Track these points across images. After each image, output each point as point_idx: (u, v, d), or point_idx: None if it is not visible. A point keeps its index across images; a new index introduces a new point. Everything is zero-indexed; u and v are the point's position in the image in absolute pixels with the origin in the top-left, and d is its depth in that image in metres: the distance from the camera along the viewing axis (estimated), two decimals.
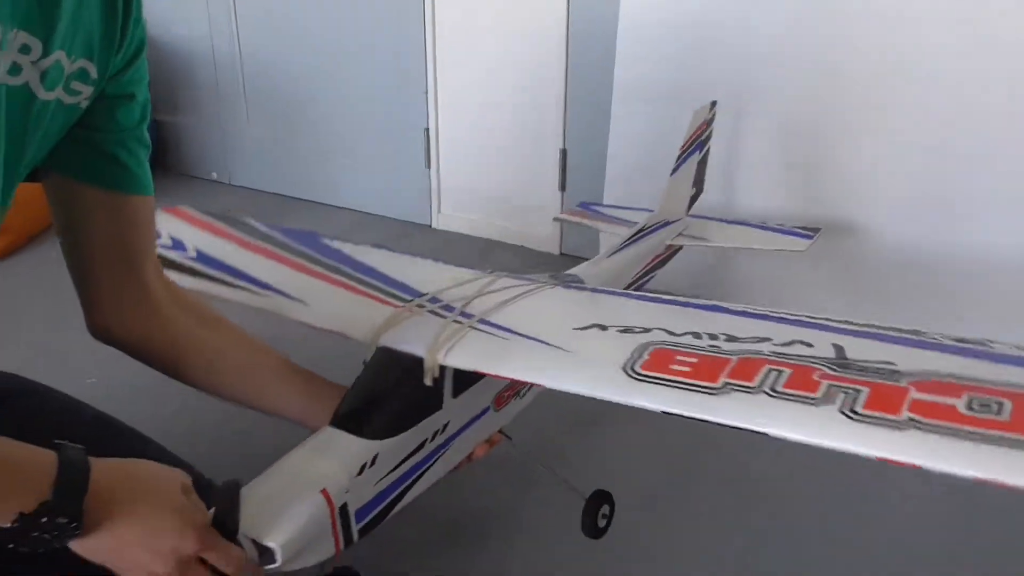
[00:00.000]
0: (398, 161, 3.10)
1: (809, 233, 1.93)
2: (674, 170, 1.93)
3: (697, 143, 2.01)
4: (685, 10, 2.23)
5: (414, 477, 1.13)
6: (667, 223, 1.90)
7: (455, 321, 1.16)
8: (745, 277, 2.36)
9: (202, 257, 1.44)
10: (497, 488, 1.41)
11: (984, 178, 1.96)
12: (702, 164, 2.07)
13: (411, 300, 1.25)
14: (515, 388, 1.31)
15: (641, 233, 1.81)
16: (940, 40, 1.92)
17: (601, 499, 1.30)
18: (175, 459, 1.14)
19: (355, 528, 1.05)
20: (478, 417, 1.24)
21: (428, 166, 3.01)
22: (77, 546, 0.80)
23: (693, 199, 2.06)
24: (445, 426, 1.17)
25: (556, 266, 2.66)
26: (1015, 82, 1.86)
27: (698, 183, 2.07)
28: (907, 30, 1.94)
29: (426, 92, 2.89)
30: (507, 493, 1.40)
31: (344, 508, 1.02)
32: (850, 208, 2.13)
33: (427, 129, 2.96)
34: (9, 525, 0.74)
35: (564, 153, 2.68)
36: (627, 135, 2.42)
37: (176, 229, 1.56)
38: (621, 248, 1.73)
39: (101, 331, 1.11)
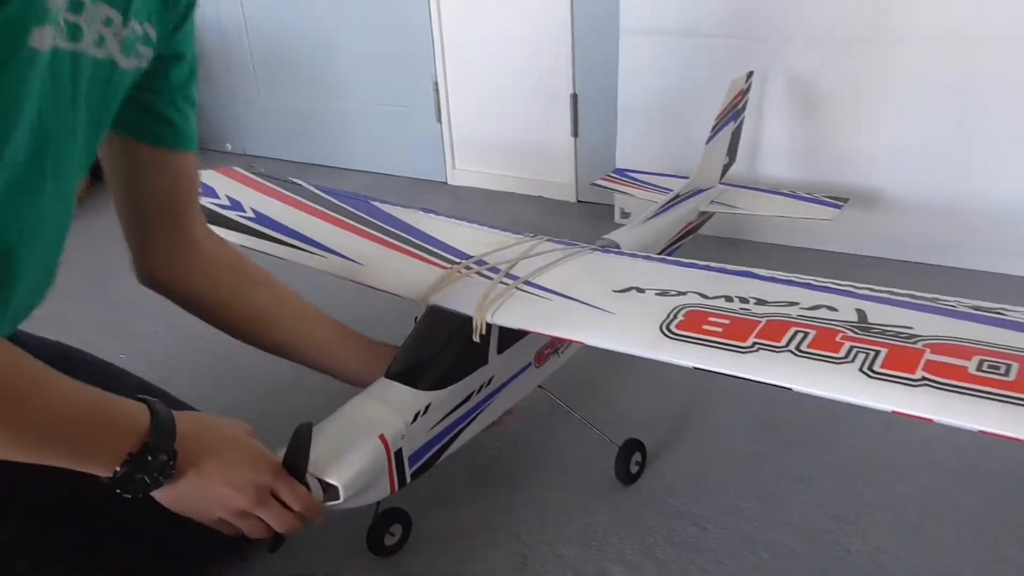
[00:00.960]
0: (409, 118, 3.10)
1: (838, 203, 1.98)
2: (709, 139, 1.98)
3: (733, 112, 2.05)
4: None
5: (462, 426, 1.22)
6: (701, 191, 1.96)
7: (501, 282, 1.25)
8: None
9: (260, 218, 1.53)
10: (533, 436, 1.50)
11: (1005, 129, 2.00)
12: (736, 133, 2.11)
13: (459, 262, 1.34)
14: (555, 346, 1.40)
15: (676, 200, 1.87)
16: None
17: (633, 447, 1.38)
18: None
19: (408, 471, 1.14)
20: (520, 372, 1.33)
21: (439, 121, 3.01)
22: (168, 493, 0.89)
23: (726, 168, 2.11)
24: (490, 380, 1.26)
25: (574, 214, 2.76)
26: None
27: (732, 152, 2.11)
28: None
29: (432, 45, 2.86)
30: (544, 441, 1.49)
31: (399, 452, 1.12)
32: (873, 175, 2.18)
33: (436, 83, 2.94)
34: (119, 469, 0.84)
35: (575, 98, 2.67)
36: (637, 73, 2.41)
37: (231, 189, 1.65)
38: (657, 214, 1.79)
39: (147, 276, 1.16)
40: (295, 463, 1.00)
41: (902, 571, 1.19)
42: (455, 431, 1.21)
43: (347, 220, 1.52)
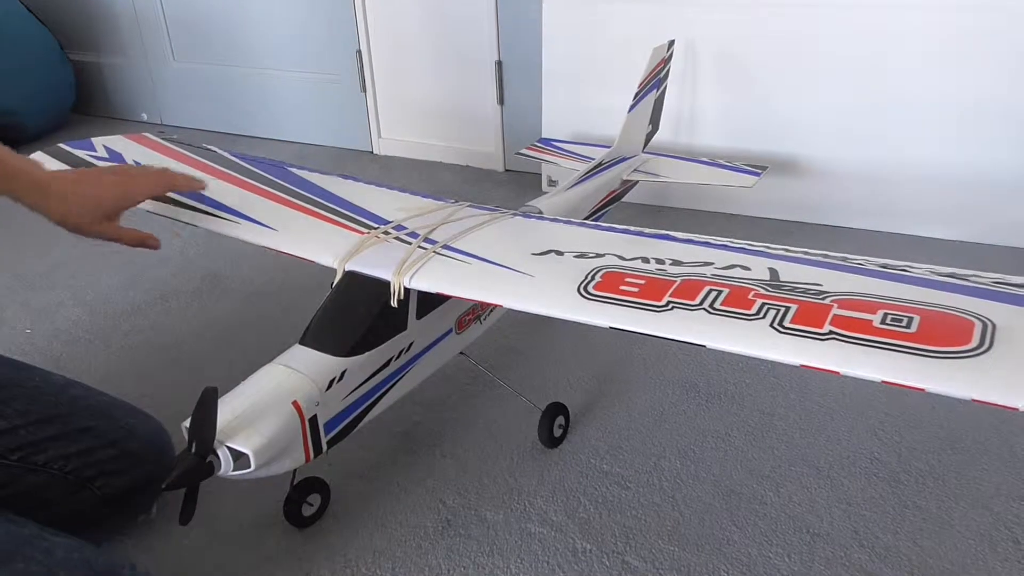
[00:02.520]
0: (333, 87, 3.04)
1: (757, 170, 2.01)
2: (631, 107, 1.98)
3: (655, 81, 2.06)
4: None
5: (380, 393, 1.21)
6: (623, 159, 1.97)
7: (419, 247, 1.22)
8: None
9: None
10: (456, 402, 1.49)
11: (918, 97, 2.07)
12: (659, 102, 2.12)
13: (377, 227, 1.31)
14: (475, 312, 1.39)
15: (599, 168, 1.87)
16: None
17: (556, 411, 1.39)
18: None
19: (324, 439, 1.12)
20: (441, 339, 1.31)
21: (364, 90, 2.96)
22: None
23: (649, 136, 2.12)
24: (410, 346, 1.24)
25: (500, 182, 2.74)
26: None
27: (654, 121, 2.13)
28: None
29: (354, 12, 2.80)
30: (467, 407, 1.48)
31: (314, 420, 1.09)
32: (790, 142, 2.23)
33: (359, 51, 2.89)
34: None
35: (500, 65, 2.65)
36: (560, 39, 2.40)
37: (140, 155, 1.58)
38: (579, 182, 1.79)
39: None
40: (201, 429, 0.97)
41: (813, 518, 1.22)
42: (373, 398, 1.19)
43: (261, 186, 1.47)
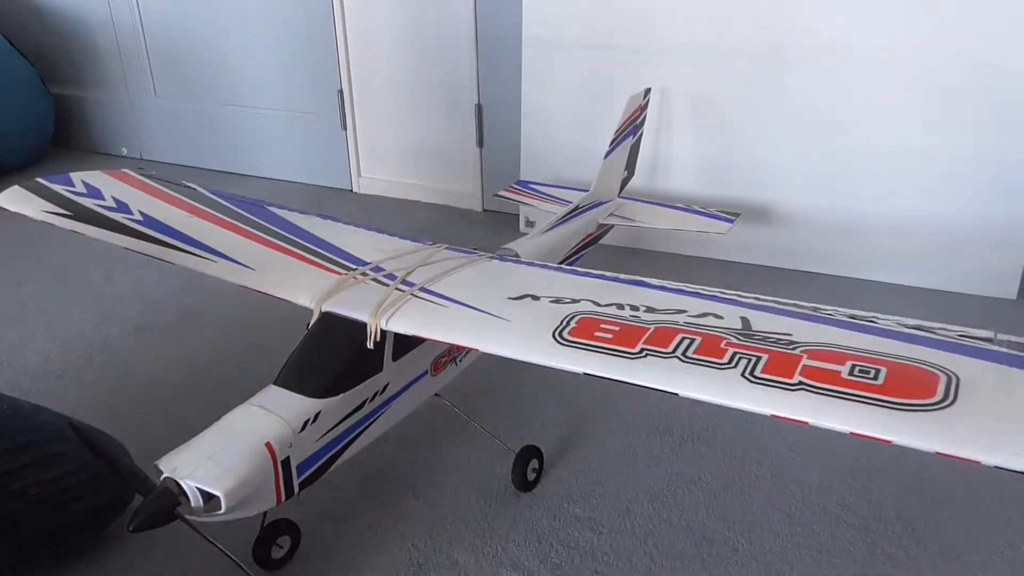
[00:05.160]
0: (314, 126, 3.06)
1: (731, 217, 2.05)
2: (608, 153, 2.02)
3: (631, 128, 2.10)
4: None
5: (354, 435, 1.20)
6: (600, 203, 1.99)
7: (397, 289, 1.23)
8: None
9: (148, 221, 1.46)
10: (430, 444, 1.49)
11: (877, 145, 2.13)
12: (635, 148, 2.16)
13: (355, 268, 1.32)
14: (451, 354, 1.39)
15: (575, 212, 1.90)
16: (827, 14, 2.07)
17: (530, 454, 1.39)
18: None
19: (296, 481, 1.11)
20: (416, 380, 1.31)
21: (344, 128, 2.99)
22: None
23: (625, 182, 2.15)
24: (385, 387, 1.24)
25: (479, 223, 2.76)
26: (899, 57, 2.03)
27: (630, 167, 2.16)
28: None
29: (337, 51, 2.83)
30: (441, 449, 1.48)
31: (286, 461, 1.09)
32: (763, 189, 2.28)
33: (340, 91, 2.92)
34: None
35: (479, 108, 2.69)
36: (540, 84, 2.44)
37: (119, 191, 1.58)
38: (556, 225, 1.82)
39: None
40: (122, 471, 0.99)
41: (785, 566, 1.23)
42: (347, 439, 1.19)
43: (239, 224, 1.48)
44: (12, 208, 1.48)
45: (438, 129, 2.82)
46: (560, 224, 1.82)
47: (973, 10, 1.94)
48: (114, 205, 1.53)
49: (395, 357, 1.24)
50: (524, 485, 1.38)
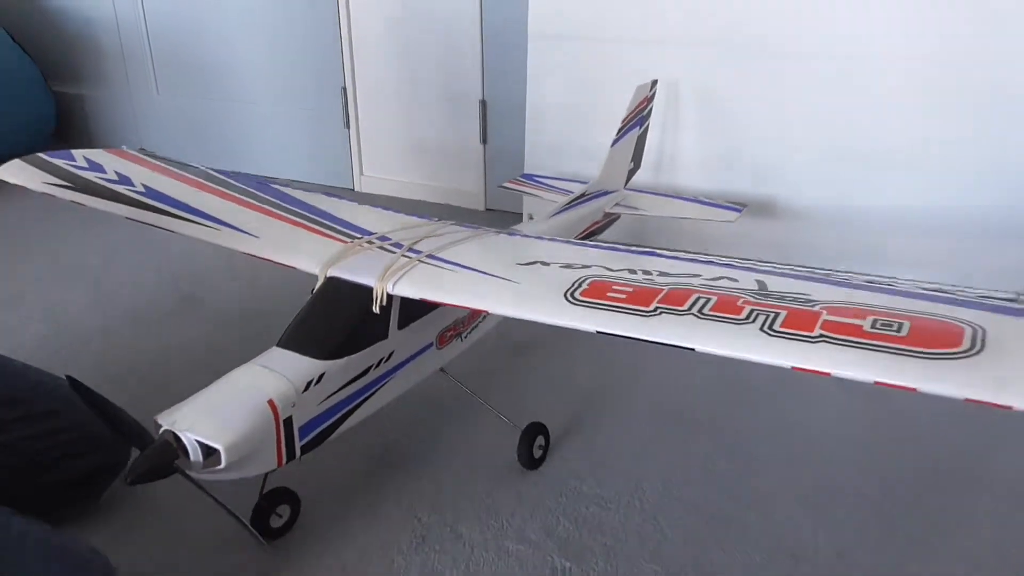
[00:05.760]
0: (317, 124, 3.04)
1: (738, 207, 2.03)
2: (615, 141, 2.00)
3: (638, 118, 2.09)
4: None
5: (358, 401, 1.17)
6: (606, 192, 1.98)
7: (404, 256, 1.21)
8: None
9: (150, 192, 1.44)
10: (435, 423, 1.46)
11: (884, 141, 2.12)
12: (641, 140, 2.15)
13: (361, 237, 1.29)
14: (457, 329, 1.36)
15: (581, 199, 1.88)
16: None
17: (536, 431, 1.36)
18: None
19: (298, 443, 1.08)
20: (421, 352, 1.28)
21: (347, 126, 2.97)
22: None
23: (631, 173, 2.14)
24: (390, 355, 1.21)
25: (482, 221, 2.69)
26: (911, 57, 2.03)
27: (636, 158, 2.15)
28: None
29: (341, 48, 2.82)
30: (446, 428, 1.45)
31: (289, 421, 1.05)
32: (768, 185, 2.26)
33: (344, 87, 2.91)
34: None
35: (484, 104, 2.68)
36: (545, 77, 2.43)
37: (121, 167, 1.56)
38: (562, 211, 1.80)
39: None
40: (114, 421, 0.98)
41: (796, 542, 1.20)
42: (351, 406, 1.16)
43: (243, 197, 1.46)
44: (13, 180, 1.46)
45: (441, 126, 2.80)
46: (566, 210, 1.80)
47: (984, 5, 1.93)
48: (116, 178, 1.50)
49: (401, 325, 1.21)
50: (530, 462, 1.35)
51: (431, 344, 1.31)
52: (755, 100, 2.21)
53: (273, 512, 1.17)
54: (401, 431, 1.44)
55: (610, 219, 1.97)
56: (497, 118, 2.67)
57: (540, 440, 1.36)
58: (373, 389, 1.19)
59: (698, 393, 1.59)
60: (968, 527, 1.24)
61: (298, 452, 1.08)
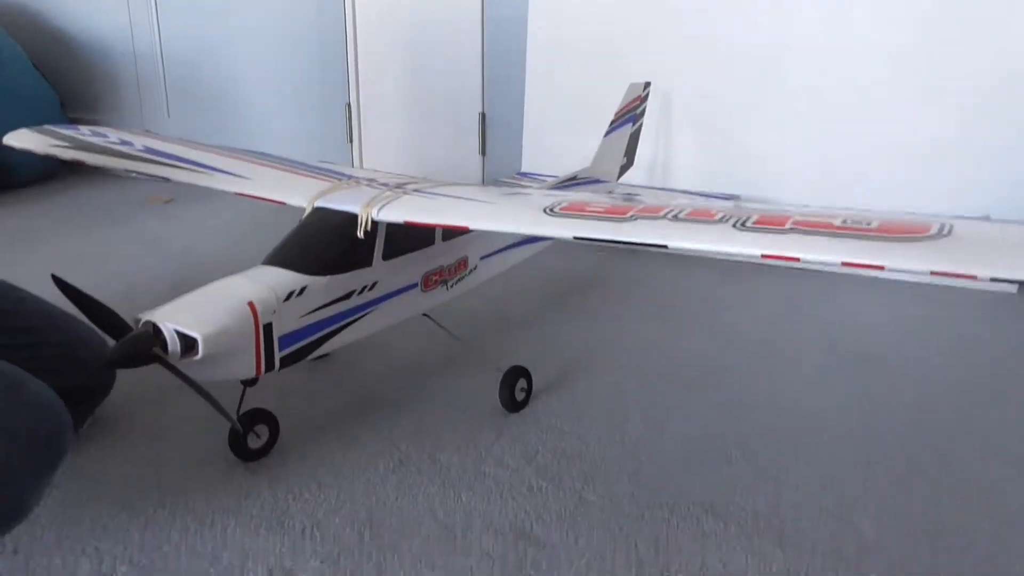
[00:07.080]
0: (320, 138, 3.11)
1: (729, 199, 2.06)
2: (608, 132, 2.05)
3: (630, 115, 2.14)
4: None
5: (340, 324, 1.18)
6: (598, 180, 2.01)
7: (390, 191, 1.24)
8: None
9: (149, 150, 1.49)
10: (419, 365, 1.48)
11: (876, 140, 2.15)
12: (634, 137, 2.19)
13: (350, 178, 1.32)
14: (443, 275, 1.38)
15: (574, 182, 1.91)
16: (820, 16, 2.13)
17: (519, 373, 1.35)
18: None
19: (277, 354, 1.09)
20: (405, 289, 1.30)
21: (350, 141, 3.04)
22: None
23: (623, 169, 2.17)
24: (373, 285, 1.22)
25: None
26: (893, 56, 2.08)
27: (630, 154, 2.18)
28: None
29: (347, 66, 2.90)
30: (429, 371, 1.47)
31: (269, 328, 1.06)
32: (761, 186, 2.29)
33: (348, 104, 2.99)
34: None
35: (483, 117, 2.74)
36: (543, 86, 2.49)
37: (125, 135, 1.62)
38: (554, 189, 1.82)
39: None
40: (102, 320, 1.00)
41: (779, 471, 1.19)
42: (333, 327, 1.17)
43: (237, 153, 1.50)
44: (19, 145, 1.52)
45: (442, 139, 2.87)
46: (559, 189, 1.83)
47: (979, 8, 1.99)
48: (118, 142, 1.56)
49: (385, 257, 1.23)
50: (512, 404, 1.34)
51: (416, 284, 1.32)
52: (749, 105, 2.25)
53: (251, 431, 1.16)
54: (382, 375, 1.45)
55: None
56: (496, 130, 2.74)
57: (522, 383, 1.36)
58: (356, 315, 1.21)
59: (685, 358, 1.59)
60: (953, 470, 1.22)
61: (277, 363, 1.09)
